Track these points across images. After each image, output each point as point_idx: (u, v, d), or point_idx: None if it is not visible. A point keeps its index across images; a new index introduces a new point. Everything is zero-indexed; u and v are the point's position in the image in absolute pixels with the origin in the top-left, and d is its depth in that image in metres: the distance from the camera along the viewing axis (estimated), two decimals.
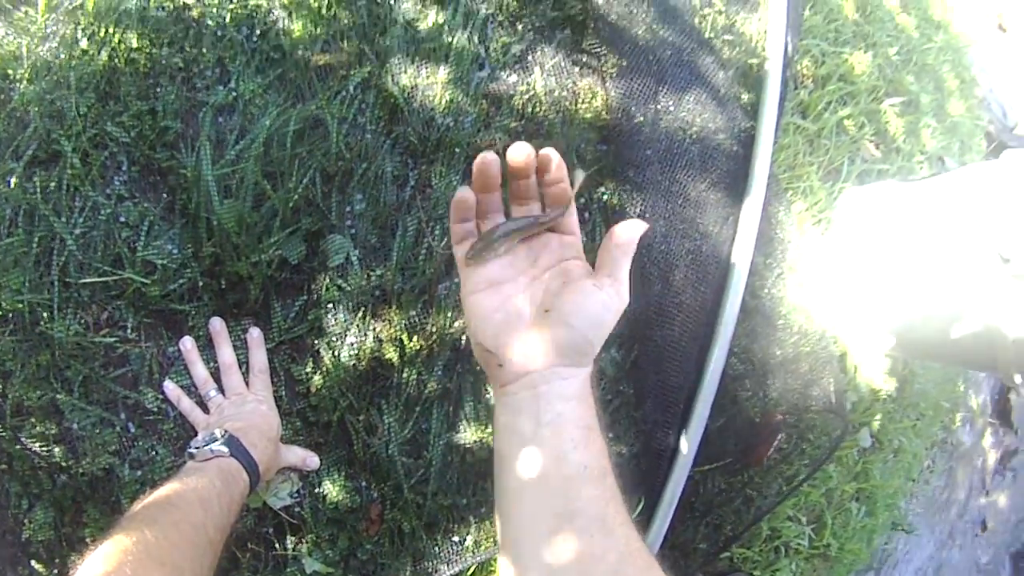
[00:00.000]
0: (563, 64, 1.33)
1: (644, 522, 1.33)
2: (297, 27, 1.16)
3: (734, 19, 1.58)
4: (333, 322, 1.12)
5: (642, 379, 1.32)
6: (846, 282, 1.75)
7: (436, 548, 1.19)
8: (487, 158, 0.58)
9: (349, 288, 1.12)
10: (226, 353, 1.06)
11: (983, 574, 3.12)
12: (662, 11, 1.41)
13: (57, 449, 0.99)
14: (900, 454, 2.19)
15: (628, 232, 0.60)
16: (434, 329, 1.17)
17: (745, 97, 1.51)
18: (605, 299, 0.59)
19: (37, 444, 0.98)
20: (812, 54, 1.85)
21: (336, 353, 1.12)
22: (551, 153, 0.60)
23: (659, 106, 1.33)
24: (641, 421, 1.33)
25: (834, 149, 1.82)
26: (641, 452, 1.34)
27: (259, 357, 1.08)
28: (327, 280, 1.12)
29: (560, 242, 0.64)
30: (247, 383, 1.06)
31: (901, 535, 2.49)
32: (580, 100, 1.33)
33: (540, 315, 0.60)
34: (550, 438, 0.57)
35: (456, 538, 1.21)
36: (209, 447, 0.89)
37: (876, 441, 2.06)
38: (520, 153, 0.59)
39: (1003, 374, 1.49)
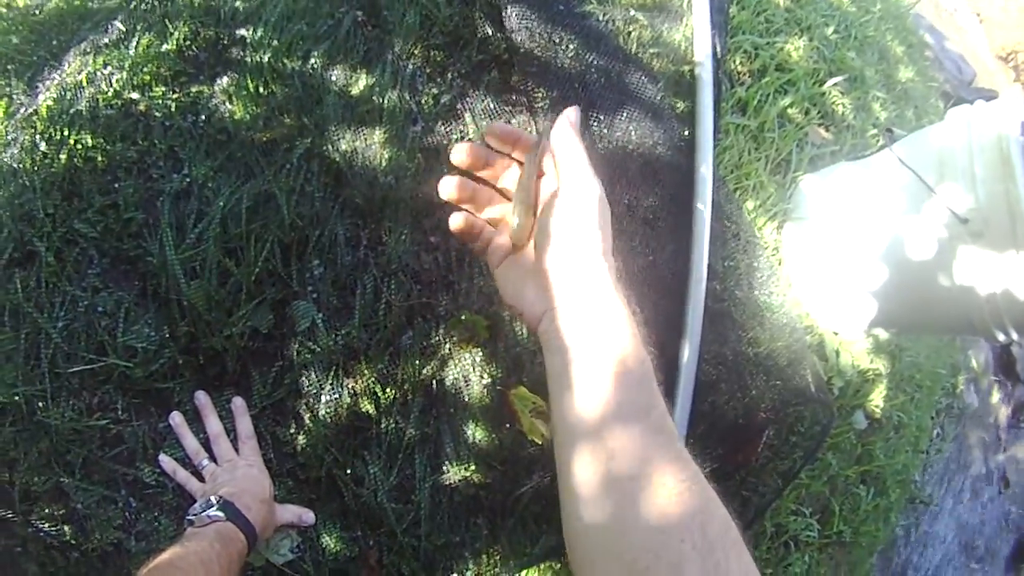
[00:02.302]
0: (493, 106, 1.45)
1: None
2: (238, 108, 1.30)
3: (660, 30, 1.70)
4: (308, 383, 1.25)
5: None
6: (815, 269, 1.84)
7: None
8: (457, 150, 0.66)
9: (319, 349, 1.25)
10: (213, 424, 1.17)
11: (1012, 528, 3.21)
12: (586, 36, 1.52)
13: (67, 529, 1.09)
14: (903, 429, 2.29)
15: (560, 126, 0.62)
16: (404, 378, 1.28)
17: (681, 105, 1.63)
18: (576, 195, 0.59)
19: (47, 525, 1.09)
20: (744, 49, 1.97)
21: (315, 412, 1.24)
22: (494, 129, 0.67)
23: (594, 130, 1.44)
24: None
25: (780, 140, 1.93)
26: None
27: (244, 424, 1.19)
28: (297, 344, 1.25)
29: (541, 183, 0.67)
30: (236, 450, 1.18)
31: (922, 507, 2.58)
32: None
33: (536, 248, 0.62)
34: (581, 376, 0.55)
35: (455, 575, 1.31)
36: (206, 513, 1.00)
37: (874, 421, 2.15)
38: (460, 154, 0.66)
39: (984, 334, 1.59)
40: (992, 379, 3.12)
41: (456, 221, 0.68)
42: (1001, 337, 1.56)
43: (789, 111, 2.00)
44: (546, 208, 0.62)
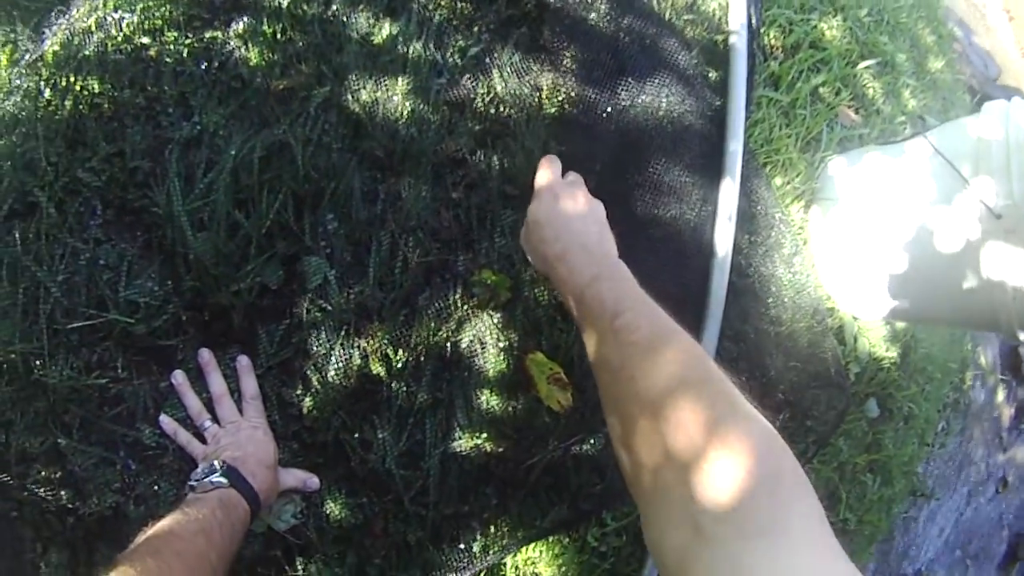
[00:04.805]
0: (522, 62, 1.37)
1: None
2: (254, 55, 1.22)
3: None
4: (318, 343, 1.18)
5: None
6: (840, 252, 1.79)
7: (444, 557, 1.24)
8: None
9: (330, 308, 1.18)
10: (216, 383, 1.11)
11: (1009, 530, 3.20)
12: None
13: (63, 492, 1.04)
14: (911, 420, 2.25)
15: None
16: (418, 340, 1.22)
17: (713, 75, 1.56)
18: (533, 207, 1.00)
19: (43, 489, 1.03)
20: (779, 24, 1.90)
21: (324, 373, 1.17)
22: None
23: (623, 94, 1.38)
24: None
25: (811, 118, 1.87)
26: None
27: (249, 384, 1.13)
28: (307, 302, 1.17)
29: None
30: (240, 411, 1.11)
31: (922, 500, 2.56)
32: (543, 97, 1.38)
33: None
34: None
35: (462, 545, 1.26)
36: (209, 479, 0.95)
37: (885, 410, 2.11)
38: None
39: (1006, 331, 1.53)
40: (999, 377, 3.07)
41: None
42: (1022, 336, 1.50)
43: (821, 90, 1.94)
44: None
